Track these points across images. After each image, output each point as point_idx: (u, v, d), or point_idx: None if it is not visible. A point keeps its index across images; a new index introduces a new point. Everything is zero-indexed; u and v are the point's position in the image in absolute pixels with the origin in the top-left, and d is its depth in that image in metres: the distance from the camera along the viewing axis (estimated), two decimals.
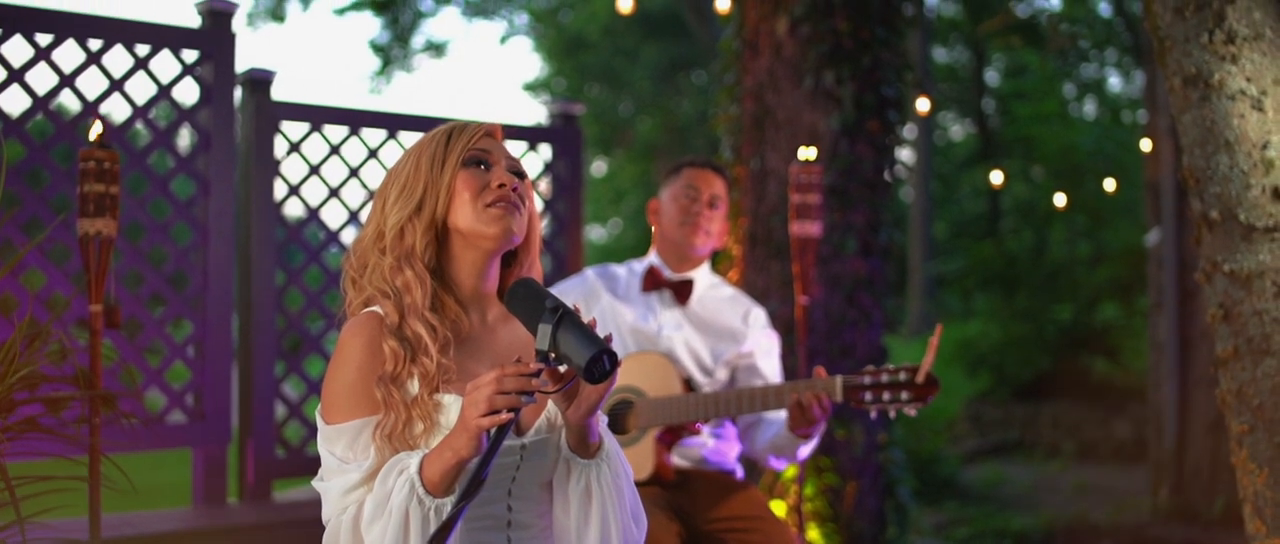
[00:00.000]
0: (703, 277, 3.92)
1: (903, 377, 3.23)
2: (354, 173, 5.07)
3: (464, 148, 2.22)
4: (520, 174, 2.26)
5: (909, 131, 18.78)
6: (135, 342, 4.40)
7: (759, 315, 3.91)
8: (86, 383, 3.33)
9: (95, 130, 3.35)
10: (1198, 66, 2.95)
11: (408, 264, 2.18)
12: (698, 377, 3.77)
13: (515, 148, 5.37)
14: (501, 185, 2.20)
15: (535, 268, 2.32)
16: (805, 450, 3.65)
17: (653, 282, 3.85)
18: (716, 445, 3.76)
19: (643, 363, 3.66)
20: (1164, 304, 7.65)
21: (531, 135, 5.48)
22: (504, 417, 1.92)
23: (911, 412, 3.21)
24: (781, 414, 3.62)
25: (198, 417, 4.52)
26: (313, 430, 4.89)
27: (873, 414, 3.32)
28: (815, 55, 5.61)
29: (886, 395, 3.23)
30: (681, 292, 3.84)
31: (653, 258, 3.92)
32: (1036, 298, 12.29)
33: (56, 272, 4.17)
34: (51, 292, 4.16)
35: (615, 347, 3.59)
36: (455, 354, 2.17)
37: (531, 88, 26.62)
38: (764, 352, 3.87)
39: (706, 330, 3.83)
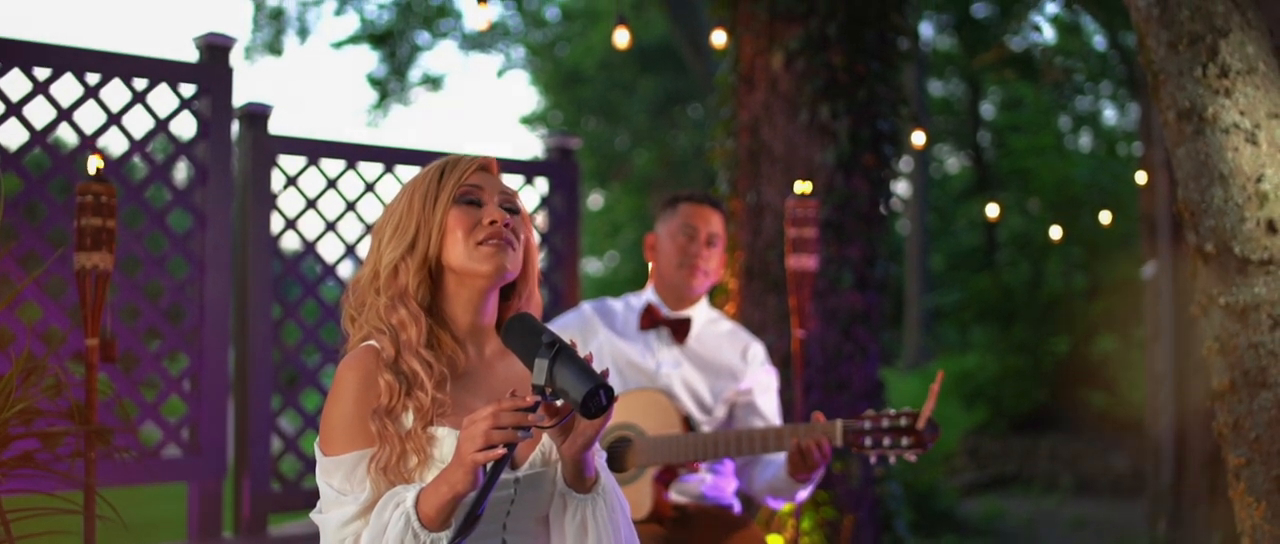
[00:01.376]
0: (700, 313, 3.91)
1: (903, 422, 3.23)
2: (350, 206, 5.07)
3: (456, 184, 2.23)
4: (514, 209, 2.27)
5: (905, 164, 18.82)
6: (131, 375, 4.39)
7: (758, 351, 3.90)
8: (82, 418, 3.32)
9: (94, 165, 3.35)
10: (1192, 100, 2.96)
11: (402, 303, 2.19)
12: (696, 414, 3.76)
13: (511, 181, 5.38)
14: (493, 222, 2.20)
15: (534, 301, 2.32)
16: (804, 493, 3.64)
17: (650, 320, 3.84)
18: (714, 481, 3.75)
19: (641, 400, 3.65)
20: (1160, 336, 7.65)
21: (528, 169, 5.49)
22: (499, 451, 1.92)
23: (911, 457, 3.21)
24: (780, 455, 3.61)
25: (193, 450, 4.51)
26: (308, 464, 4.88)
27: (872, 459, 3.32)
28: (811, 90, 5.63)
29: (886, 441, 3.23)
30: (679, 330, 3.83)
31: (650, 295, 3.91)
32: (1033, 330, 12.30)
33: (53, 305, 4.16)
34: (48, 325, 4.15)
35: (613, 382, 3.58)
36: (452, 388, 2.18)
37: (528, 121, 26.67)
38: (763, 389, 3.86)
39: (705, 368, 3.82)
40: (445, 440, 2.12)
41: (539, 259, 2.33)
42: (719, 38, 5.92)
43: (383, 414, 2.13)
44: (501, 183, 2.30)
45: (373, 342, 2.20)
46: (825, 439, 3.32)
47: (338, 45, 21.00)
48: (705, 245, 3.82)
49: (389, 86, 21.44)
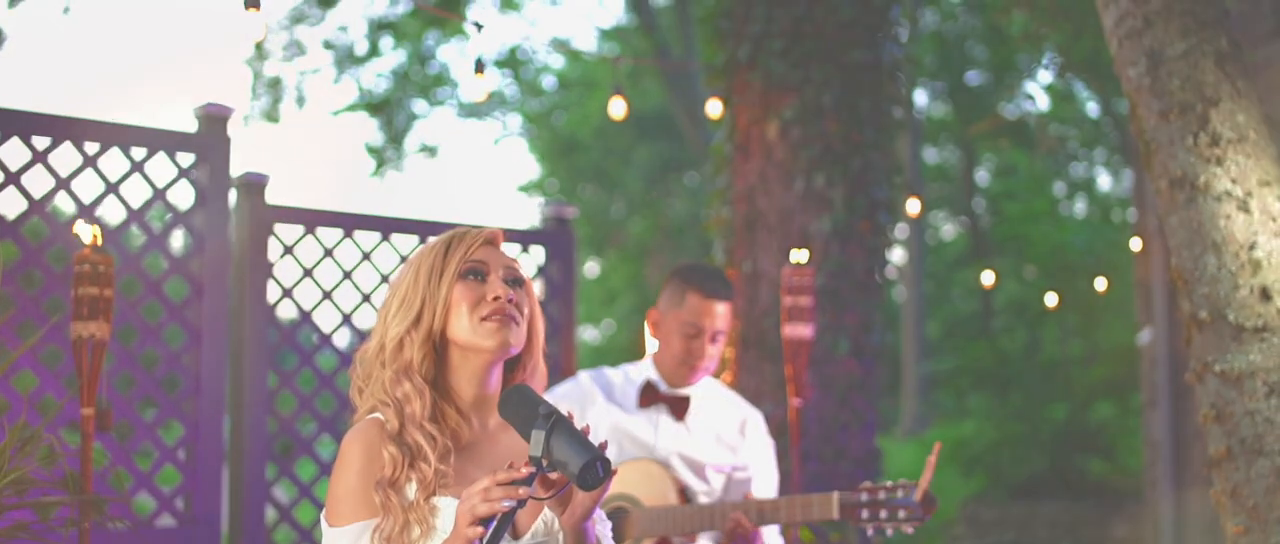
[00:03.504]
0: (699, 387, 3.89)
1: (900, 495, 3.22)
2: (347, 275, 5.08)
3: (462, 259, 2.25)
4: (518, 282, 2.28)
5: (900, 232, 18.88)
6: (126, 445, 4.37)
7: (756, 423, 3.89)
8: (76, 487, 3.31)
9: (91, 233, 3.36)
10: (1183, 169, 2.98)
11: (406, 377, 2.21)
12: (693, 486, 3.74)
13: (508, 250, 5.39)
14: (497, 298, 2.22)
15: (538, 373, 2.34)
16: None
17: (649, 397, 3.81)
18: None
19: (637, 471, 3.64)
20: (1158, 403, 7.64)
21: (524, 238, 5.51)
22: (481, 530, 1.93)
23: (908, 529, 3.21)
24: (775, 528, 3.60)
25: (188, 521, 4.48)
26: (303, 534, 4.86)
27: (870, 531, 3.30)
28: (806, 158, 5.66)
29: (883, 513, 3.22)
30: (678, 407, 3.81)
31: (649, 371, 3.88)
32: (1031, 397, 12.28)
33: (48, 374, 4.16)
34: (43, 394, 4.14)
35: (610, 453, 3.58)
36: (455, 460, 2.19)
37: (526, 189, 26.77)
38: (761, 464, 3.85)
39: (703, 440, 3.80)
40: (448, 511, 2.13)
41: (542, 331, 2.34)
42: (714, 108, 5.96)
43: (387, 485, 2.15)
44: (506, 256, 2.31)
45: (378, 414, 2.21)
46: (751, 529, 3.35)
47: (336, 113, 21.10)
48: (709, 342, 3.78)
49: (386, 154, 21.54)
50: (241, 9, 4.30)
